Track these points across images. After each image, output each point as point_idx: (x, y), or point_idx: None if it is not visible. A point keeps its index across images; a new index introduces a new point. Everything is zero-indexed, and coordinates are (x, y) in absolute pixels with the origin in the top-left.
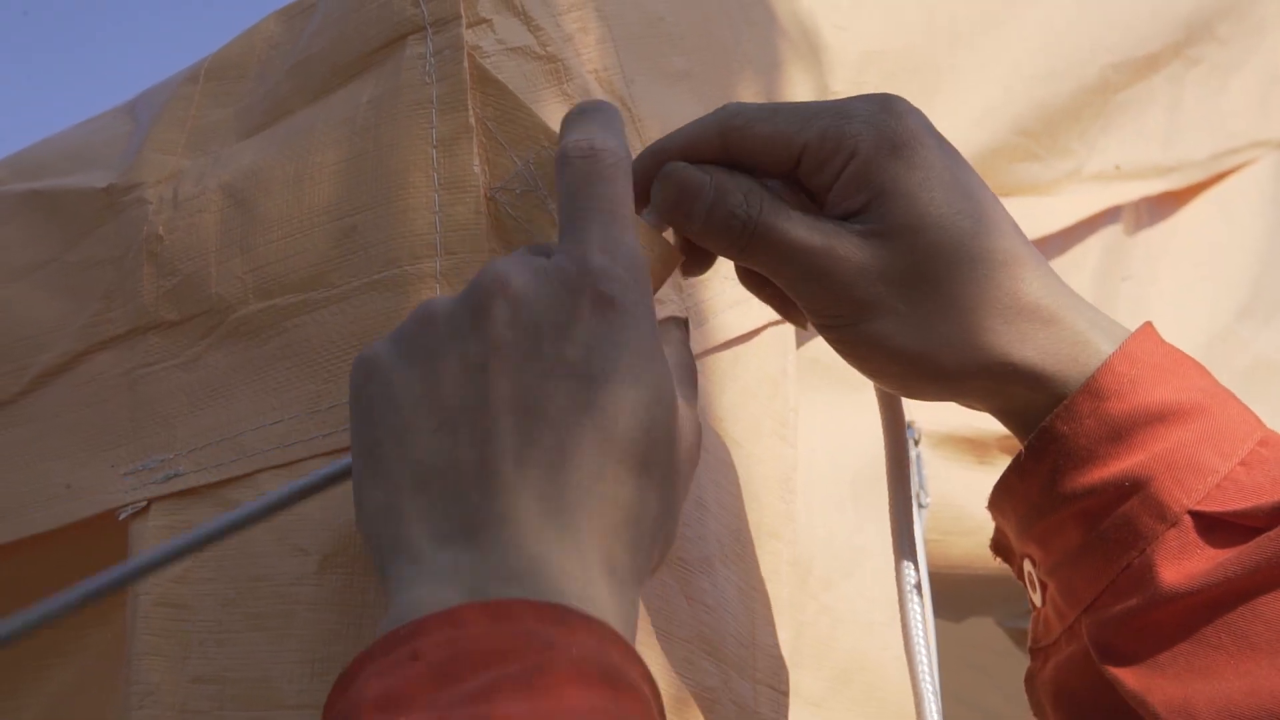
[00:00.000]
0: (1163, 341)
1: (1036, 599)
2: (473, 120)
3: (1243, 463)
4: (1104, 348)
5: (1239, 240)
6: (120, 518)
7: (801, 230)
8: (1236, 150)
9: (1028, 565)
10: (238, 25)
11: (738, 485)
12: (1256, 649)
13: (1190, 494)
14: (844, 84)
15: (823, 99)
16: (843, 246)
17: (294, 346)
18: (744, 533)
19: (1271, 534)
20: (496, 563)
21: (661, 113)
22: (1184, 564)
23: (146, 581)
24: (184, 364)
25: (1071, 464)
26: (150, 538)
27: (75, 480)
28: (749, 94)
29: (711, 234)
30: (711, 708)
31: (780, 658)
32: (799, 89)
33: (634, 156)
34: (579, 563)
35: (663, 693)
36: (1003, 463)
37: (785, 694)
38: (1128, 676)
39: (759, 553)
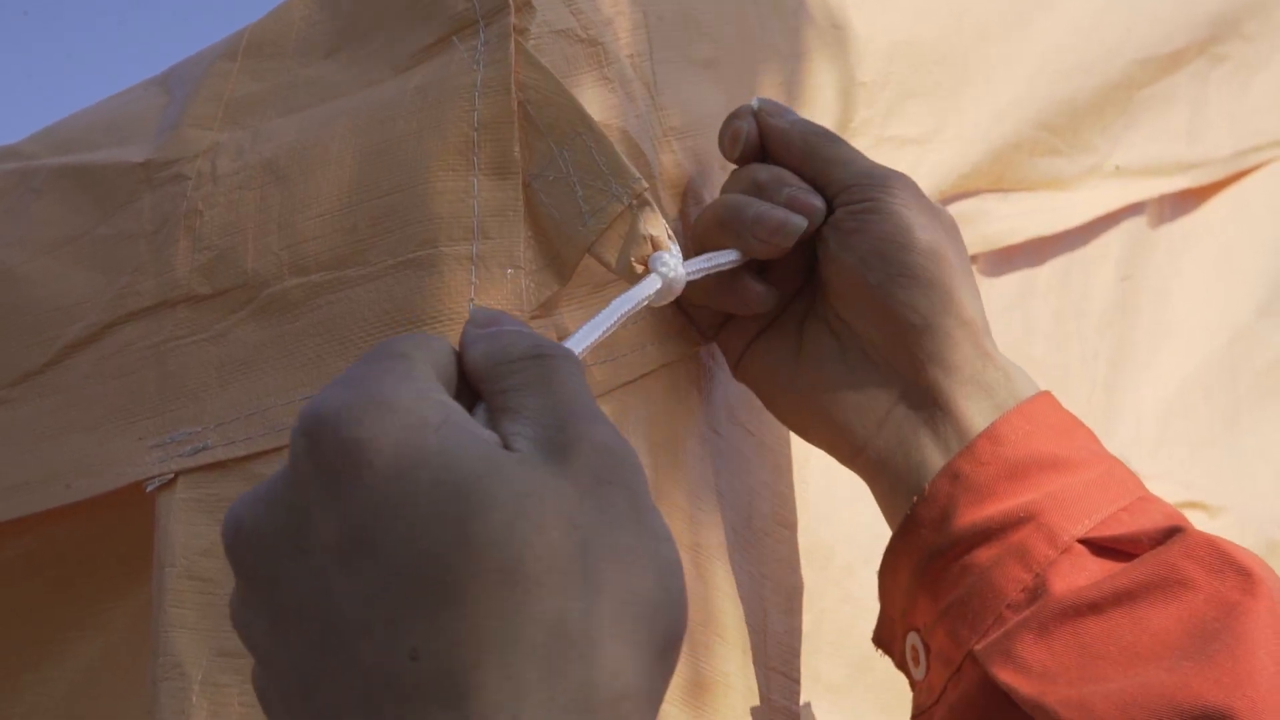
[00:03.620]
0: (1061, 408)
1: (918, 672)
2: (515, 104)
3: (1125, 509)
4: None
5: (1259, 238)
6: (147, 490)
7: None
8: (1260, 148)
9: (911, 639)
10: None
11: (750, 473)
12: (1144, 659)
13: (1079, 525)
14: (872, 74)
15: (850, 90)
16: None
17: (326, 323)
18: (756, 521)
19: (1156, 550)
20: None
21: (684, 100)
22: (1074, 579)
23: (172, 554)
24: (213, 338)
25: (970, 499)
26: (177, 510)
27: (102, 452)
28: (774, 83)
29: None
30: (725, 693)
31: (791, 645)
32: (825, 78)
33: (651, 137)
34: None
35: (676, 679)
36: None
37: (797, 681)
38: (1022, 683)
39: (771, 541)
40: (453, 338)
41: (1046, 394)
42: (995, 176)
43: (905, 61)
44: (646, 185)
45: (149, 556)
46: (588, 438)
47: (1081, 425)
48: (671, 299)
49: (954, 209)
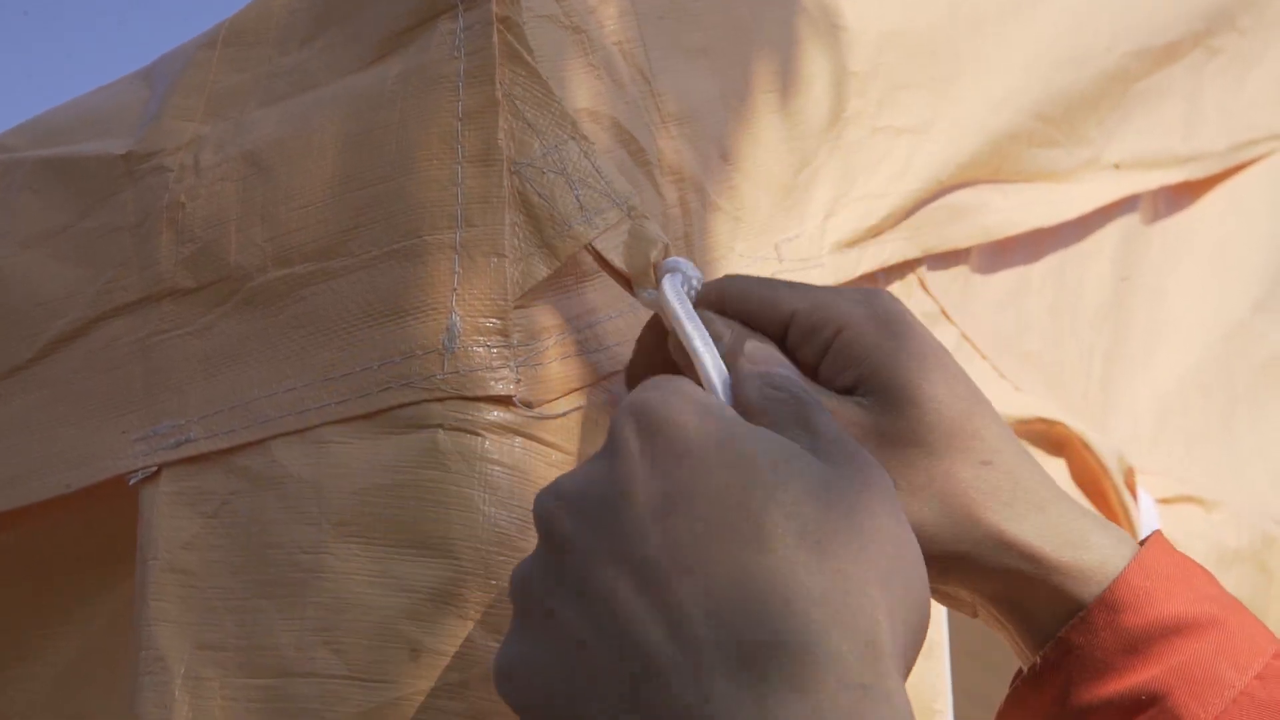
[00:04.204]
0: (1173, 550)
1: None
2: (499, 95)
3: (1259, 676)
4: (1111, 549)
5: (1255, 233)
6: (131, 483)
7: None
8: (1255, 142)
9: None
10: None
11: None
12: None
13: (1208, 709)
14: (863, 63)
15: (842, 80)
16: (845, 412)
17: (310, 315)
18: None
19: None
20: None
21: (680, 87)
22: None
23: (155, 547)
24: (198, 331)
25: (1087, 676)
26: (160, 503)
27: (86, 446)
28: (767, 72)
29: None
30: None
31: None
32: (817, 68)
33: (647, 124)
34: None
35: None
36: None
37: None
38: None
39: None
40: (436, 327)
41: (1158, 534)
42: (993, 168)
43: (896, 52)
44: (638, 202)
45: (132, 550)
46: (860, 458)
47: (1193, 564)
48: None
49: (951, 200)
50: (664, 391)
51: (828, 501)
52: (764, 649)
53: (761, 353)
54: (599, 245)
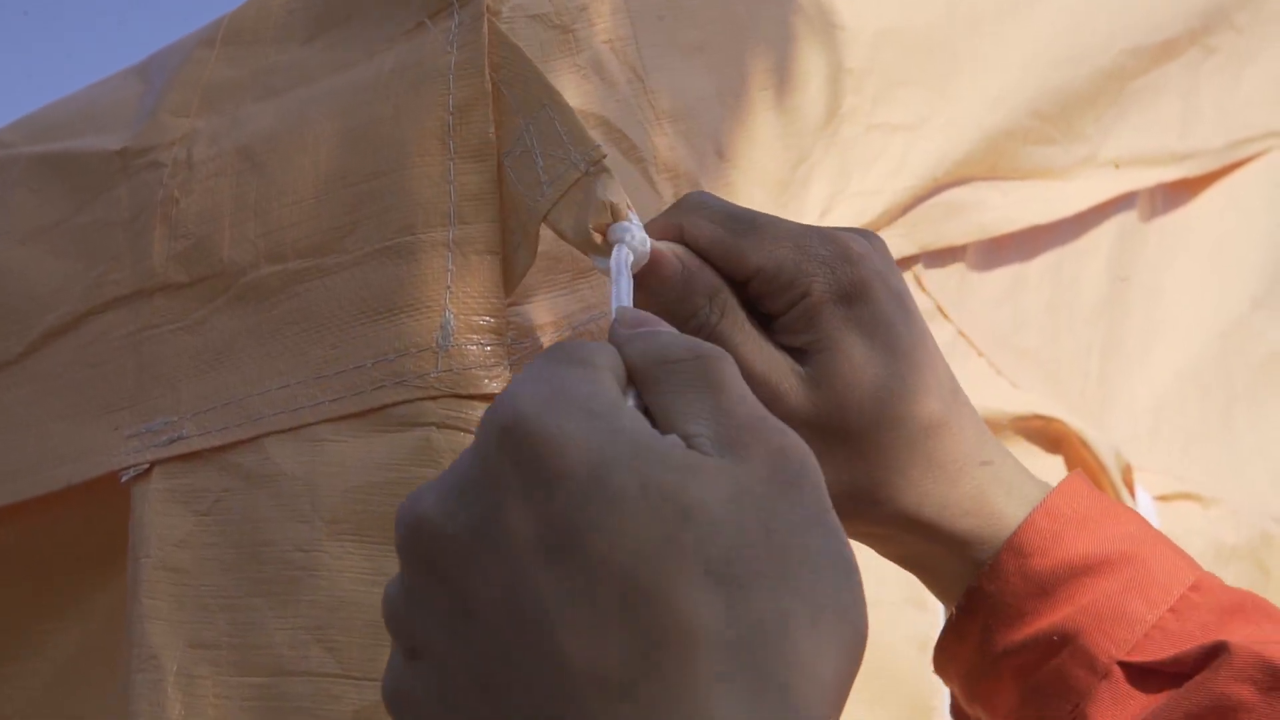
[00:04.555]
0: (1091, 490)
1: None
2: (489, 85)
3: (1172, 609)
4: (1018, 508)
5: (1253, 230)
6: (123, 480)
7: (751, 352)
8: (1252, 139)
9: None
10: None
11: None
12: None
13: (1119, 645)
14: (859, 61)
15: (838, 77)
16: (781, 382)
17: (303, 311)
18: None
19: (1196, 680)
20: None
21: (674, 85)
22: (1117, 713)
23: (147, 545)
24: (190, 326)
25: (1002, 622)
26: (153, 500)
27: (78, 442)
28: (763, 69)
29: (670, 318)
30: None
31: None
32: (813, 65)
33: (641, 121)
34: None
35: None
36: (1016, 445)
37: None
38: None
39: None
40: (430, 325)
41: (1071, 477)
42: (989, 165)
43: (892, 49)
44: (605, 153)
45: (126, 547)
46: (769, 439)
47: (1112, 504)
48: (637, 269)
49: (947, 197)
50: (542, 391)
51: (740, 526)
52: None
53: (635, 316)
54: (554, 215)
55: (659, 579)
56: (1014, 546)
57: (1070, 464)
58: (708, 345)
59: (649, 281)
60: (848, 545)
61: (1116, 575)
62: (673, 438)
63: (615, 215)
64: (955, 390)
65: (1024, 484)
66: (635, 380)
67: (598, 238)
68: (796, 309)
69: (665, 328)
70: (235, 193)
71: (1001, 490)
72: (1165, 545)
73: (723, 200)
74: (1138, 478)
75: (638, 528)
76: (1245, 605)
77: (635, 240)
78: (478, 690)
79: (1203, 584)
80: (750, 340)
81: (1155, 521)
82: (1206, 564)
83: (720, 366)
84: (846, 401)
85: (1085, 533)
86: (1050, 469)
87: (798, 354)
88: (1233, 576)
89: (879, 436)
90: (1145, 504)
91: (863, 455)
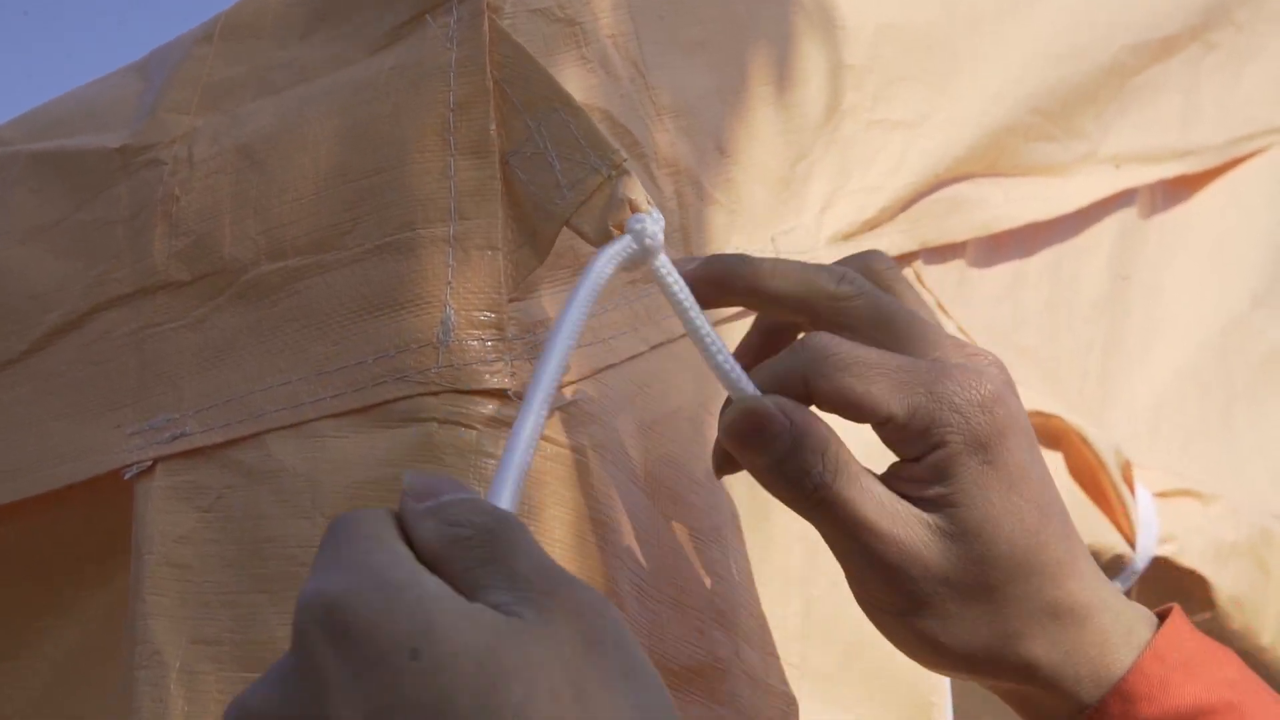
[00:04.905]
0: (1192, 632)
1: None
2: (490, 83)
3: None
4: (1126, 652)
5: (1254, 228)
6: (126, 477)
7: (873, 510)
8: (1253, 136)
9: None
10: None
11: None
12: None
13: None
14: (859, 57)
15: (838, 73)
16: (912, 541)
17: (304, 308)
18: (754, 505)
19: None
20: None
21: (675, 81)
22: None
23: (150, 541)
24: (192, 324)
25: None
26: (156, 497)
27: (80, 440)
28: (763, 65)
29: (776, 482)
30: (723, 678)
31: (788, 630)
32: (813, 61)
33: (642, 117)
34: None
35: (673, 663)
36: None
37: (795, 666)
38: None
39: (769, 526)
40: (430, 321)
41: (1175, 613)
42: (990, 162)
43: (892, 45)
44: (626, 156)
45: (128, 544)
46: (571, 601)
47: (1212, 646)
48: (650, 263)
49: (948, 193)
50: (346, 577)
51: (551, 690)
52: None
53: (423, 485)
54: (576, 219)
55: None
56: (1122, 692)
57: (1070, 461)
58: (494, 514)
59: (756, 441)
60: (658, 693)
61: None
62: (479, 605)
63: (634, 208)
64: (1070, 523)
65: (1134, 622)
66: (427, 560)
67: (615, 232)
68: (929, 459)
69: (455, 494)
70: (235, 190)
71: (1122, 632)
72: (1265, 690)
73: (846, 342)
74: (1137, 475)
75: (453, 702)
76: None
77: (645, 229)
78: None
79: None
80: (871, 499)
81: (1155, 519)
82: (1207, 563)
83: (508, 536)
84: (988, 556)
85: (1191, 679)
86: (1050, 466)
87: (927, 504)
88: (1233, 574)
89: (1017, 588)
90: (1145, 501)
91: (1001, 608)
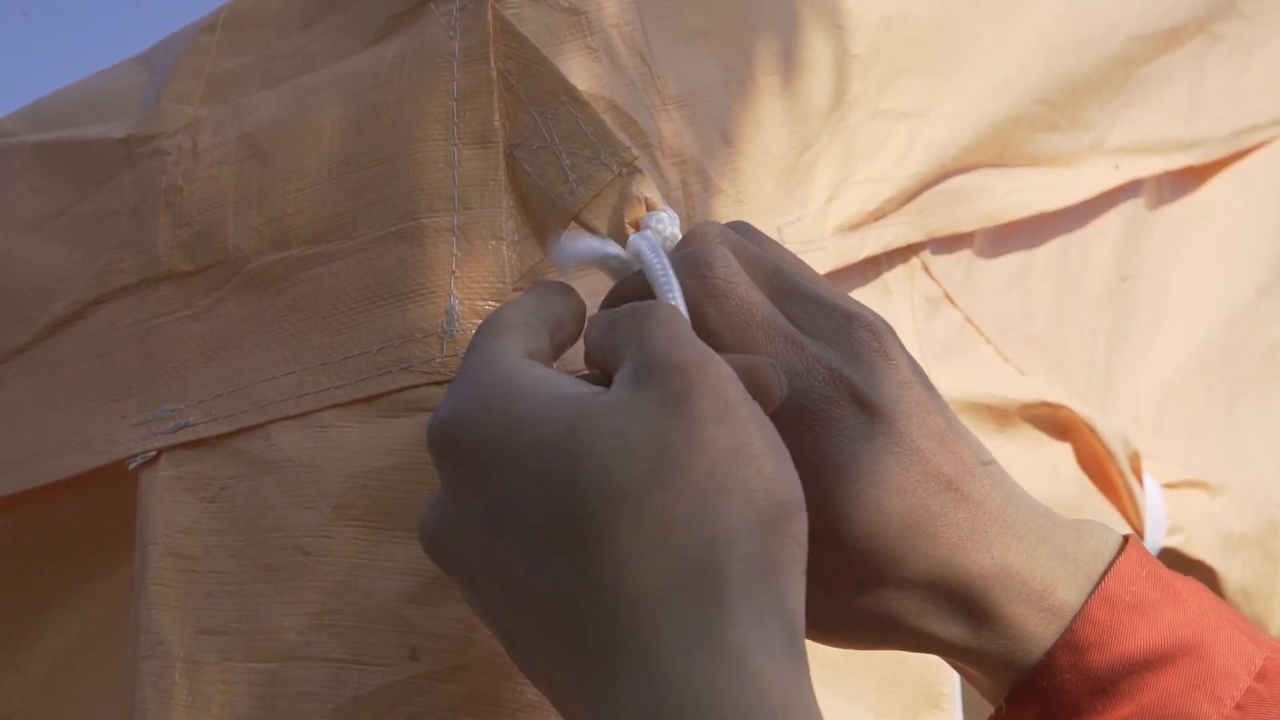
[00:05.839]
0: (1145, 564)
1: None
2: (494, 73)
3: (1238, 705)
4: (1068, 593)
5: (1262, 219)
6: (130, 467)
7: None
8: (1259, 127)
9: None
10: None
11: None
12: None
13: None
14: (865, 47)
15: (844, 63)
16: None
17: (308, 298)
18: None
19: None
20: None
21: (680, 71)
22: None
23: (155, 532)
24: (196, 315)
25: (1056, 717)
26: (160, 488)
27: (84, 430)
28: (769, 55)
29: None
30: None
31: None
32: (819, 51)
33: (648, 106)
34: (719, 670)
35: None
36: (1024, 432)
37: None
38: None
39: None
40: (435, 311)
41: (1130, 550)
42: (995, 152)
43: (898, 35)
44: (638, 154)
45: (132, 535)
46: (665, 361)
47: (1170, 581)
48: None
49: (954, 184)
50: (460, 396)
51: (627, 450)
52: (590, 641)
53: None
54: (587, 215)
55: (571, 523)
56: (1069, 642)
57: (1079, 451)
58: (647, 303)
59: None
60: (760, 431)
61: (1179, 670)
62: (566, 385)
63: (650, 207)
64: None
65: (1074, 548)
66: (595, 356)
67: (631, 230)
68: None
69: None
70: (239, 180)
71: (1059, 563)
72: (1228, 623)
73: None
74: (1145, 465)
75: (543, 485)
76: None
77: (666, 231)
78: (508, 641)
79: (1269, 669)
80: None
81: (1162, 510)
82: (1215, 553)
83: (651, 314)
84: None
85: (1144, 621)
86: (1058, 457)
87: None
88: (1241, 565)
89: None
90: (1153, 491)
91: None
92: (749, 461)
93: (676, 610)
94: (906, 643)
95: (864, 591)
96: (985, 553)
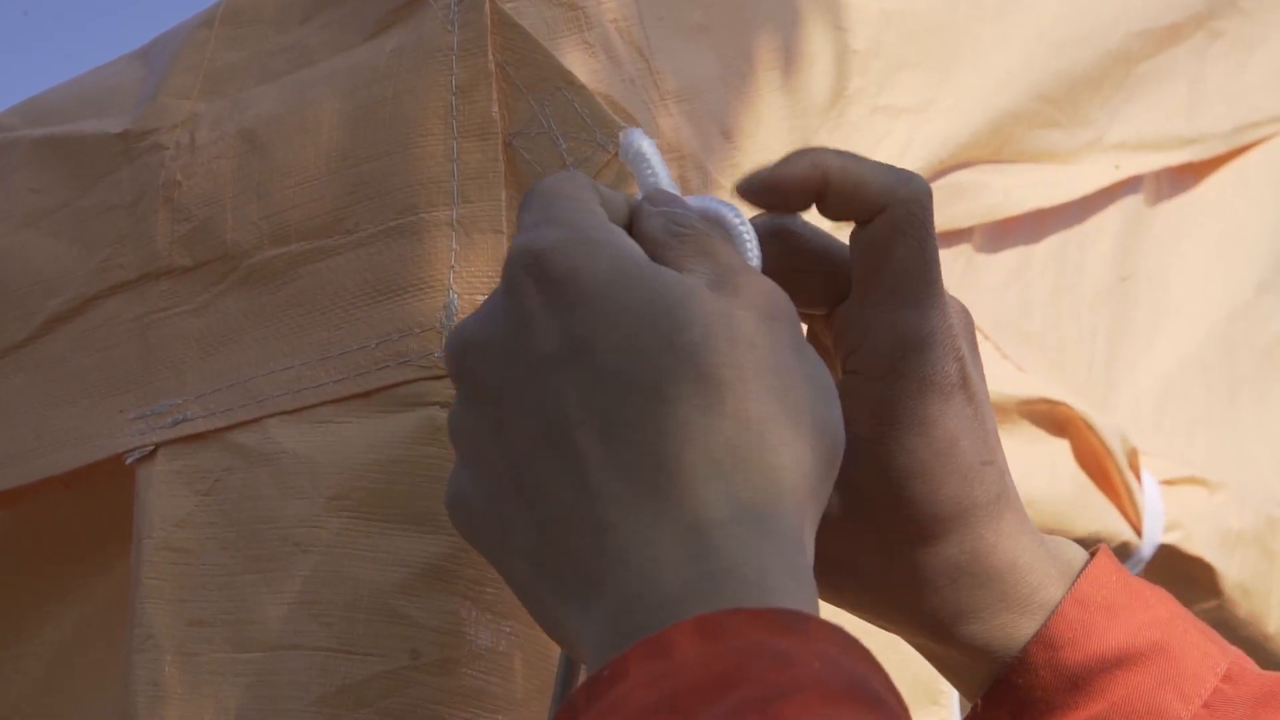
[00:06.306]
0: (1119, 572)
1: None
2: (492, 65)
3: (1205, 704)
4: (1054, 592)
5: (1260, 215)
6: (128, 462)
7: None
8: (1259, 124)
9: None
10: None
11: None
12: None
13: None
14: (864, 42)
15: (844, 58)
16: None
17: (306, 293)
18: None
19: None
20: (687, 573)
21: (679, 66)
22: None
23: (150, 526)
24: (195, 310)
25: (1030, 716)
26: (157, 482)
27: (82, 425)
28: (769, 50)
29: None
30: None
31: None
32: (818, 46)
33: (646, 101)
34: (772, 547)
35: None
36: (1022, 429)
37: None
38: None
39: None
40: (434, 305)
41: (1099, 556)
42: (994, 148)
43: (897, 31)
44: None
45: (129, 530)
46: (755, 283)
47: (1139, 586)
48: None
49: (952, 180)
50: (559, 232)
51: (730, 338)
52: (656, 497)
53: (664, 196)
54: None
55: (658, 379)
56: (1044, 639)
57: (1077, 448)
58: (714, 214)
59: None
60: (826, 371)
61: (1149, 669)
62: (672, 270)
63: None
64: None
65: (1047, 556)
66: (647, 246)
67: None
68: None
69: (684, 208)
70: (238, 175)
71: (1041, 580)
72: (1195, 629)
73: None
74: (1143, 462)
75: (641, 336)
76: (1277, 693)
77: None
78: (514, 490)
79: (1234, 672)
80: None
81: (1160, 506)
82: (1213, 550)
83: (720, 237)
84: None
85: (1116, 621)
86: (1056, 454)
87: None
88: (1239, 562)
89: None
90: (1151, 488)
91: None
92: (820, 394)
93: (731, 483)
94: (905, 623)
95: (890, 557)
96: (1005, 545)
